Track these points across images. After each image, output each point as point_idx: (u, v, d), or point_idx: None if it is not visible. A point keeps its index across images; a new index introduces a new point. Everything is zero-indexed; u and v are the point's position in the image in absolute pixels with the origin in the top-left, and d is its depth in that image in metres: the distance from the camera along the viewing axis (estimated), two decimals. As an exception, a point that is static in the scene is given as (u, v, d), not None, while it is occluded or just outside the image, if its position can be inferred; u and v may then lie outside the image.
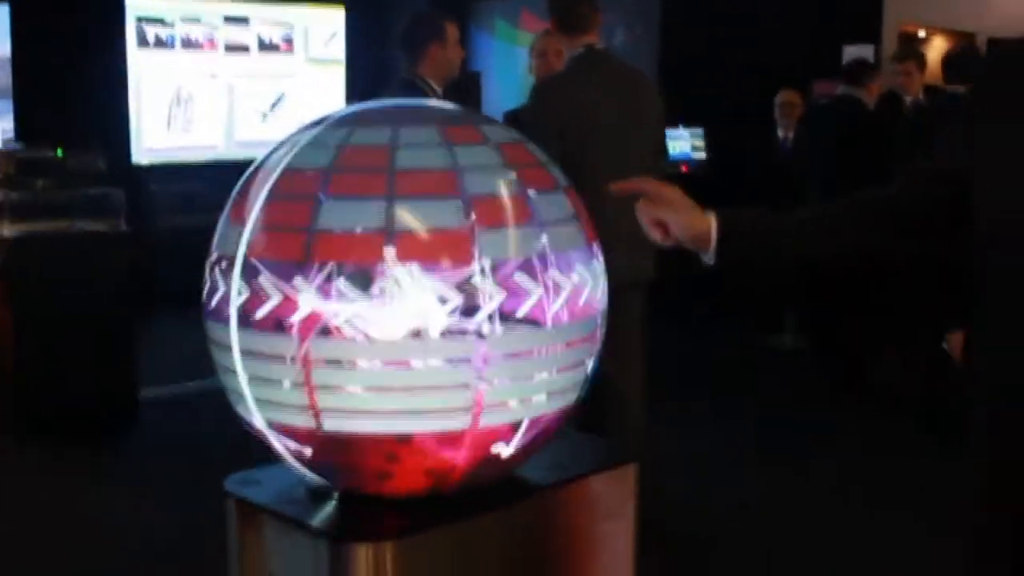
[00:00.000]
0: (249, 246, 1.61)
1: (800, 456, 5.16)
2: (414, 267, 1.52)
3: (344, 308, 1.52)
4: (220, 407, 1.78)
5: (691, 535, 4.18)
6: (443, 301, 1.53)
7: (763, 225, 1.86)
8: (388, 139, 1.63)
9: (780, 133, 7.50)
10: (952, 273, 6.46)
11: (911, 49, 7.59)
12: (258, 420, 1.66)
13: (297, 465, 1.70)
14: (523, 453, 1.71)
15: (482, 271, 1.54)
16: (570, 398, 1.73)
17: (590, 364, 1.75)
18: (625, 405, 3.89)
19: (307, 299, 1.53)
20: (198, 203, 8.90)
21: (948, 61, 5.82)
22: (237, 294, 1.61)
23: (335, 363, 1.54)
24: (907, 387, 6.08)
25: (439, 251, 1.54)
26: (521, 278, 1.58)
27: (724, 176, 7.48)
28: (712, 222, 1.79)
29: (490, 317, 1.55)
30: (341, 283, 1.52)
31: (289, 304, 1.54)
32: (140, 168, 8.66)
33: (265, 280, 1.57)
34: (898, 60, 7.11)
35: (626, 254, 2.86)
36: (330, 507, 1.73)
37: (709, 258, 1.81)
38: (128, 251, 5.75)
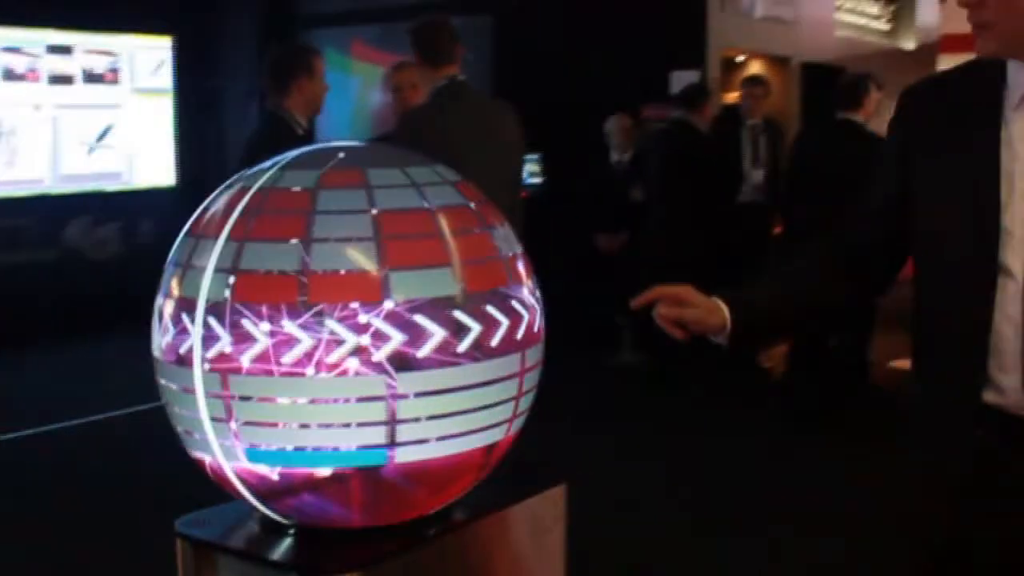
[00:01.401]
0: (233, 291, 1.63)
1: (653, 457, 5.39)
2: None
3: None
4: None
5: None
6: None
7: (765, 302, 2.03)
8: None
9: (614, 156, 7.75)
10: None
11: (760, 76, 7.99)
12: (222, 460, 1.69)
13: (257, 503, 1.74)
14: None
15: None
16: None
17: (513, 398, 1.81)
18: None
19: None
20: (24, 239, 8.63)
21: (841, 88, 6.12)
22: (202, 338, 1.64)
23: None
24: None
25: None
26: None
27: (561, 199, 7.68)
28: (725, 314, 1.95)
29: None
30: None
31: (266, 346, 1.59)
32: (-39, 204, 8.32)
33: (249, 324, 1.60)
34: (748, 84, 7.48)
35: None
36: (288, 542, 1.77)
37: (721, 340, 1.98)
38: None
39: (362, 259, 1.62)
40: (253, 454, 1.65)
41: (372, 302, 1.59)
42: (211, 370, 1.63)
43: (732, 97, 8.08)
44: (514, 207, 3.84)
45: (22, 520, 4.69)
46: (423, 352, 1.62)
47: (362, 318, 1.58)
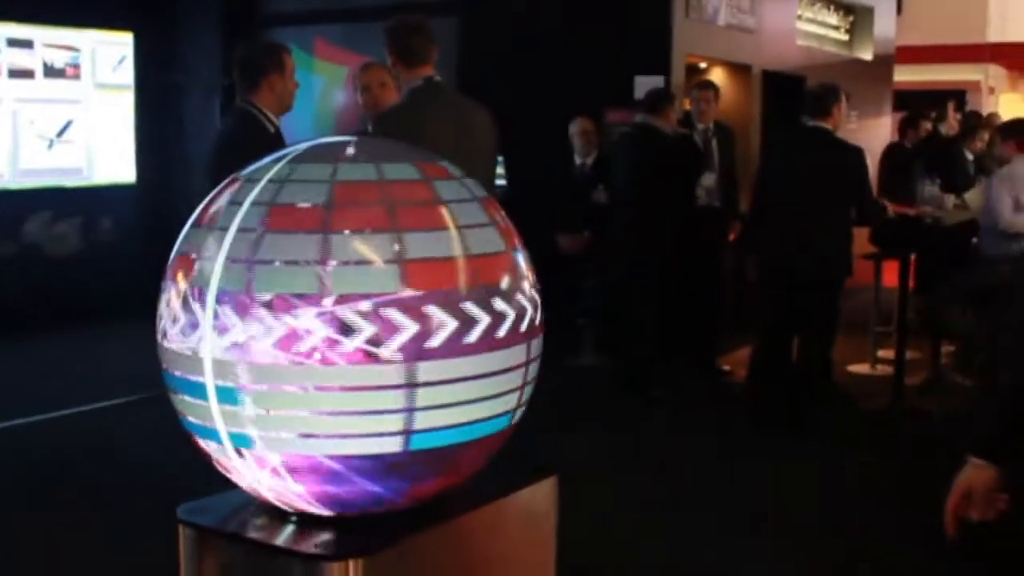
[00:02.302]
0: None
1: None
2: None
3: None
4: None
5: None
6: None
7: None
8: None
9: (577, 159, 7.80)
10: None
11: (710, 80, 8.07)
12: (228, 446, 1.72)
13: (262, 491, 1.77)
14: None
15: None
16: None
17: (519, 388, 1.86)
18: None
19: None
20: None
21: (812, 96, 6.21)
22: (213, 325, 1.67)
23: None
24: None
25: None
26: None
27: (525, 202, 7.71)
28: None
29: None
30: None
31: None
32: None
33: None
34: (699, 88, 7.55)
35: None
36: (290, 528, 1.80)
37: None
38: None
39: (378, 251, 1.65)
40: (263, 442, 1.68)
41: (386, 292, 1.63)
42: (221, 359, 1.66)
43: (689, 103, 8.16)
44: None
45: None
46: (436, 342, 1.66)
47: (377, 309, 1.62)
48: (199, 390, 1.70)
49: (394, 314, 1.62)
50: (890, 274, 7.47)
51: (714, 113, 7.55)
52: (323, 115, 9.35)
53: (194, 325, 1.69)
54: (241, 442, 1.70)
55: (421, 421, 1.68)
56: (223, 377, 1.67)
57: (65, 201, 8.95)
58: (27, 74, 8.72)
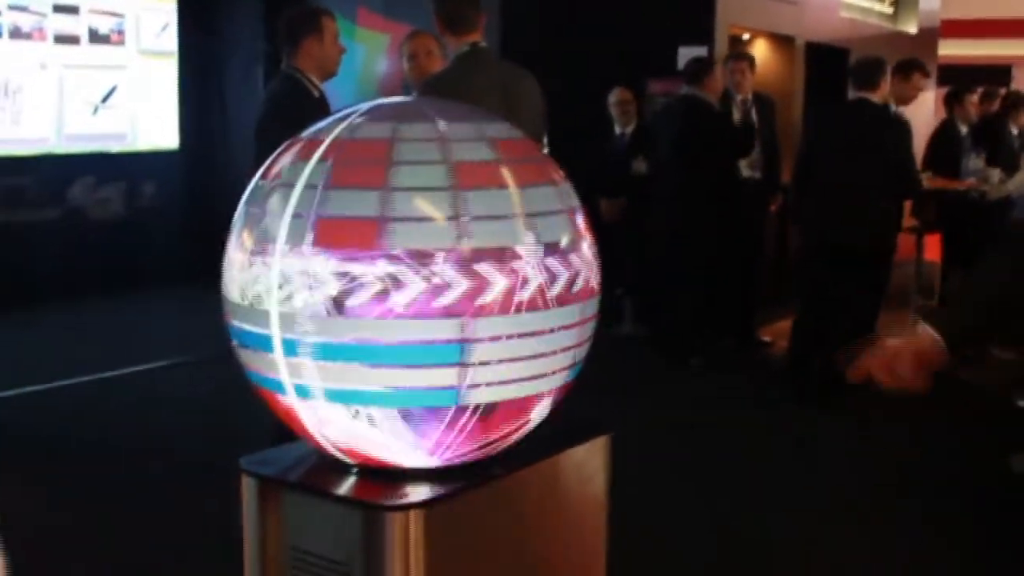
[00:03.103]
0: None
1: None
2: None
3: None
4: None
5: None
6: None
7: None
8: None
9: (617, 129, 7.80)
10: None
11: (744, 51, 8.03)
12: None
13: (324, 442, 1.81)
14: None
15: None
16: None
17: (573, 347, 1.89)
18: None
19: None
20: (27, 197, 8.64)
21: (855, 69, 6.18)
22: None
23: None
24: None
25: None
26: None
27: (565, 170, 7.72)
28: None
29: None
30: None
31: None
32: (-35, 161, 8.32)
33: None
34: (733, 60, 7.51)
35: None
36: (352, 479, 1.84)
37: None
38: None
39: (436, 208, 1.68)
40: (327, 393, 1.72)
41: (444, 248, 1.66)
42: (286, 312, 1.70)
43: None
44: None
45: (42, 474, 4.74)
46: (490, 298, 1.69)
47: (435, 265, 1.65)
48: (265, 342, 1.74)
49: (450, 270, 1.65)
50: (932, 248, 7.45)
51: (751, 84, 7.50)
52: (365, 83, 9.36)
53: (259, 279, 1.73)
54: (305, 393, 1.74)
55: (476, 376, 1.72)
56: (288, 330, 1.70)
57: (109, 166, 9.03)
58: (72, 40, 8.78)
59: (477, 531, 1.86)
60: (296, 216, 1.71)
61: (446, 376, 1.70)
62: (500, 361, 1.73)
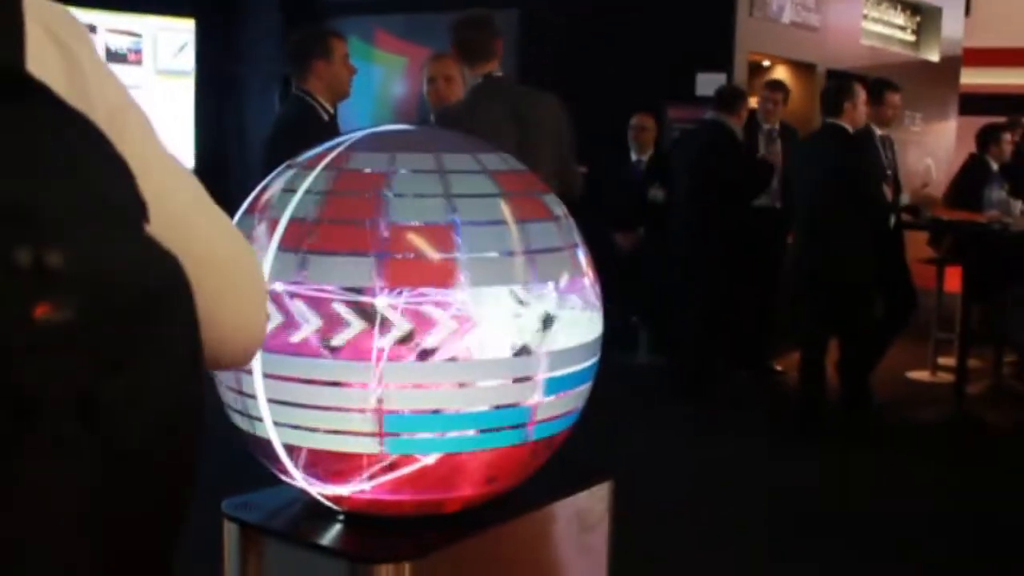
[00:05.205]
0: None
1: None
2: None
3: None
4: None
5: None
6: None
7: None
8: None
9: (634, 155, 7.71)
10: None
11: (780, 81, 7.94)
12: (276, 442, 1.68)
13: (307, 487, 1.72)
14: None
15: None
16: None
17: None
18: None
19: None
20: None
21: (821, 96, 6.15)
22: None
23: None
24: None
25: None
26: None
27: (582, 198, 7.64)
28: None
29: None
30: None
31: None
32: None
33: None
34: (769, 89, 7.43)
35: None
36: (337, 528, 1.76)
37: None
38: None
39: (433, 244, 1.60)
40: (311, 440, 1.64)
41: (438, 288, 1.58)
42: (271, 351, 1.61)
43: (755, 102, 8.04)
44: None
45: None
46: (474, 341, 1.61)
47: (426, 303, 1.57)
48: (247, 384, 1.65)
49: (438, 312, 1.57)
50: (952, 279, 7.32)
51: (781, 114, 7.43)
52: (382, 105, 9.33)
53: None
54: (287, 436, 1.66)
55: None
56: (273, 369, 1.62)
57: (124, 186, 8.98)
58: (90, 59, 8.77)
59: (470, 584, 1.77)
60: (282, 250, 1.63)
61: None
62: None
